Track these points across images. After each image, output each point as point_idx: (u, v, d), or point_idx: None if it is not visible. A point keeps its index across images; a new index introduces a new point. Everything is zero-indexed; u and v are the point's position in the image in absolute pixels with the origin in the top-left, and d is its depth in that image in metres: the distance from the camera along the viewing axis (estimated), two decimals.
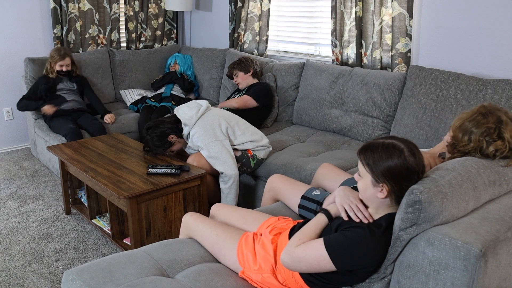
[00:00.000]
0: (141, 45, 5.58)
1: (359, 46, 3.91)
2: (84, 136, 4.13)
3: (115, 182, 2.81)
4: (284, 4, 4.70)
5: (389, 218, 1.71)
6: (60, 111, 4.29)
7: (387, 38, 3.71)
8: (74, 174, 3.38)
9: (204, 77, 5.06)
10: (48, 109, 4.24)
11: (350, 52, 3.99)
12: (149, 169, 2.94)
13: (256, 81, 4.29)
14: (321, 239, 1.74)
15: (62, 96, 4.39)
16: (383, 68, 3.80)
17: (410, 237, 1.60)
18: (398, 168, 1.63)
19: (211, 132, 3.16)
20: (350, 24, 3.94)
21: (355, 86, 3.69)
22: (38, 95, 4.39)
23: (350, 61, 4.01)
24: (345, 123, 3.73)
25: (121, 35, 5.45)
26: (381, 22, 3.72)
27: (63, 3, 4.90)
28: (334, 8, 4.00)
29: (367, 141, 1.82)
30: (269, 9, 4.63)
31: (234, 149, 3.26)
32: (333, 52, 4.10)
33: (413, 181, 1.64)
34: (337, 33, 4.03)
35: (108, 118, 4.41)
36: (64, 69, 4.47)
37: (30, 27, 4.96)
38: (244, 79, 4.27)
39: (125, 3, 5.36)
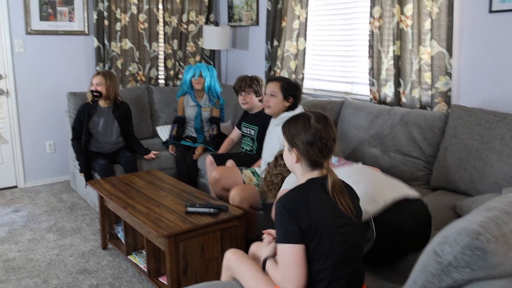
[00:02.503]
0: (179, 82, 5.68)
1: (397, 84, 3.89)
2: (116, 170, 4.21)
3: (154, 219, 2.82)
4: (320, 43, 4.74)
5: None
6: (101, 154, 4.35)
7: (426, 76, 3.68)
8: (113, 209, 3.41)
9: (239, 114, 5.09)
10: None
11: (388, 90, 3.97)
12: (188, 208, 2.95)
13: (260, 106, 4.07)
14: (276, 245, 1.95)
15: (96, 134, 4.37)
16: (422, 107, 3.76)
17: (460, 277, 1.50)
18: (302, 132, 1.89)
19: None
20: (387, 63, 3.93)
21: (394, 125, 3.64)
22: (82, 118, 4.35)
23: (388, 99, 3.98)
24: (384, 162, 3.67)
25: (159, 73, 5.58)
26: (419, 61, 3.70)
27: (106, 42, 5.07)
28: (371, 47, 4.01)
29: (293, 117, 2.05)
30: (305, 48, 4.67)
31: None
32: (370, 90, 4.09)
33: (317, 146, 1.88)
34: (374, 71, 4.02)
35: (151, 155, 4.45)
36: (94, 88, 4.31)
37: (75, 64, 5.13)
38: (252, 101, 4.08)
39: (164, 42, 5.51)
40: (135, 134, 4.63)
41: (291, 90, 3.63)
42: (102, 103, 4.39)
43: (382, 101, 4.03)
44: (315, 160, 1.90)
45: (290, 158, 1.97)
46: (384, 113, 3.75)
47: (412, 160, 3.52)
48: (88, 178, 4.24)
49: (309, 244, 1.80)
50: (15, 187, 5.04)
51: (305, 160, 1.91)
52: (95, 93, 4.31)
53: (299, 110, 3.58)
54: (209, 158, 4.03)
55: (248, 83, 4.04)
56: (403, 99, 3.86)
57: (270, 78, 4.01)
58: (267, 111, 3.67)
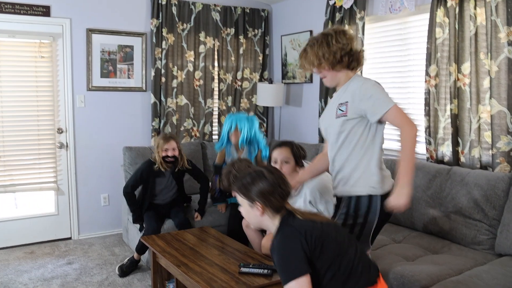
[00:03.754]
0: None
1: (455, 144, 3.79)
2: (166, 225, 4.27)
3: (207, 279, 2.78)
4: None
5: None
6: (153, 205, 4.37)
7: (486, 136, 3.57)
8: (165, 266, 3.40)
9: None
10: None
11: (446, 150, 3.87)
12: (241, 268, 2.90)
13: None
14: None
15: (155, 191, 4.38)
16: (482, 167, 3.63)
17: None
18: (261, 185, 2.09)
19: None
20: (445, 122, 3.85)
21: (454, 186, 3.52)
22: (144, 177, 4.30)
23: (446, 159, 3.87)
24: (444, 225, 3.53)
25: (213, 128, 5.67)
26: (479, 120, 3.61)
27: (162, 98, 5.23)
28: (427, 105, 3.95)
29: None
30: None
31: None
32: (427, 149, 4.00)
33: (277, 193, 2.09)
34: (431, 130, 3.94)
35: (198, 215, 4.45)
36: (170, 153, 4.24)
37: (131, 120, 5.29)
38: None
39: (219, 98, 5.63)
40: (202, 177, 4.58)
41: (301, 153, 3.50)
42: (168, 166, 4.37)
43: (439, 160, 3.92)
44: (278, 205, 2.10)
45: (254, 214, 2.12)
46: (442, 173, 3.65)
47: (474, 223, 3.37)
48: (142, 227, 4.29)
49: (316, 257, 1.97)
50: (69, 238, 5.13)
51: (269, 208, 2.09)
52: (169, 159, 4.26)
53: None
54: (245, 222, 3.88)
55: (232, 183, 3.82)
56: (462, 159, 3.75)
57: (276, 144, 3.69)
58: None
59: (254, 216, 2.13)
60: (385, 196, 2.51)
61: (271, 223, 2.12)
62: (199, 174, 4.57)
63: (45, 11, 4.71)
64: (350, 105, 2.52)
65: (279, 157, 3.34)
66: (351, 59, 2.55)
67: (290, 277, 1.90)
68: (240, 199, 2.17)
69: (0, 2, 4.50)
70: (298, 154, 3.41)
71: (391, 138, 4.51)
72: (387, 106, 2.44)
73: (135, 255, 4.27)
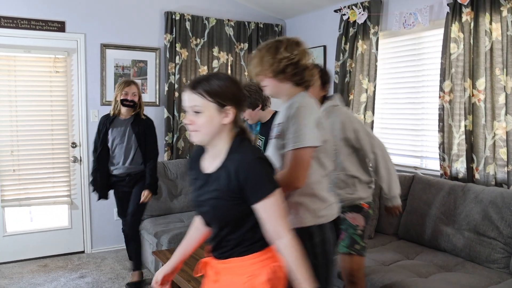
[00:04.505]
0: None
1: (470, 160, 3.75)
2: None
3: None
4: (388, 116, 4.69)
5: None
6: (112, 181, 4.20)
7: (502, 152, 3.52)
8: (177, 281, 3.38)
9: None
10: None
11: (460, 166, 3.82)
12: None
13: (266, 113, 3.72)
14: None
15: (113, 155, 4.14)
16: (497, 184, 3.58)
17: None
18: (237, 88, 1.87)
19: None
20: (459, 138, 3.81)
21: (468, 203, 3.47)
22: (101, 130, 4.14)
23: (460, 175, 3.82)
24: (457, 242, 3.48)
25: None
26: (494, 136, 3.57)
27: (175, 113, 5.25)
28: (441, 121, 3.92)
29: (194, 78, 1.94)
30: (372, 121, 4.63)
31: None
32: (441, 166, 3.96)
33: (245, 97, 1.93)
34: (445, 146, 3.90)
35: (144, 194, 4.09)
36: (129, 97, 4.02)
37: None
38: (253, 115, 3.69)
39: None
40: (156, 161, 4.23)
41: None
42: (123, 114, 4.14)
43: (453, 177, 3.88)
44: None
45: (218, 120, 1.81)
46: (457, 190, 3.60)
47: (488, 241, 3.31)
48: (101, 197, 4.24)
49: None
50: (82, 252, 5.15)
51: (236, 117, 1.88)
52: (127, 103, 4.04)
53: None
54: None
55: None
56: (477, 176, 3.70)
57: None
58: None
59: (217, 122, 1.81)
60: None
61: (224, 142, 1.85)
62: (149, 141, 4.20)
63: (60, 27, 4.78)
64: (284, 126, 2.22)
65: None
66: (294, 72, 2.25)
67: (274, 187, 1.77)
68: (203, 102, 1.81)
69: (16, 18, 4.58)
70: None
71: (403, 154, 4.49)
72: (300, 143, 2.11)
73: (135, 276, 4.22)
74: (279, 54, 2.23)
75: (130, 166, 4.14)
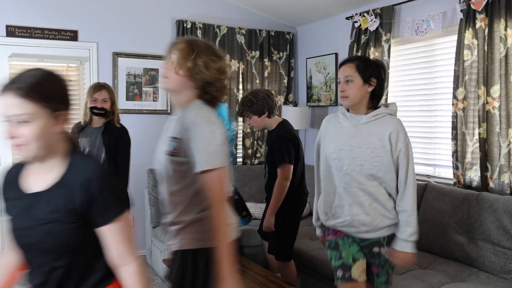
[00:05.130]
0: (256, 161, 5.72)
1: (484, 169, 3.68)
2: None
3: None
4: None
5: None
6: None
7: None
8: None
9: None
10: None
11: (474, 175, 3.76)
12: None
13: (272, 122, 3.65)
14: None
15: None
16: None
17: None
18: (64, 84, 1.59)
19: None
20: (473, 146, 3.75)
21: (482, 212, 3.41)
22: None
23: (474, 184, 3.76)
24: (471, 252, 3.41)
25: (237, 151, 5.65)
26: (508, 144, 3.51)
27: None
28: (454, 129, 3.86)
29: (12, 78, 1.50)
30: None
31: None
32: (454, 174, 3.90)
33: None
34: (458, 154, 3.84)
35: None
36: (99, 104, 3.58)
37: (156, 142, 5.27)
38: (258, 123, 3.63)
39: (243, 121, 5.62)
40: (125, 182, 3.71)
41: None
42: (95, 122, 3.70)
43: (467, 186, 3.81)
44: None
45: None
46: (470, 199, 3.54)
47: (503, 251, 3.24)
48: None
49: None
50: None
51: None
52: (97, 111, 3.61)
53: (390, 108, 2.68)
54: None
55: (245, 109, 3.61)
56: (491, 184, 3.64)
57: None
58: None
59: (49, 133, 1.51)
60: None
61: (58, 148, 1.56)
62: (120, 156, 3.68)
63: (73, 36, 4.82)
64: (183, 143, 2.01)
65: (341, 75, 2.61)
66: (197, 77, 2.02)
67: (124, 207, 1.59)
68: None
69: (30, 28, 4.63)
70: (366, 69, 2.57)
71: (415, 162, 4.43)
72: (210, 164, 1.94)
73: None
74: (197, 55, 2.02)
75: None
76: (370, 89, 2.56)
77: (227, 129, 3.85)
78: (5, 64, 4.55)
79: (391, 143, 2.49)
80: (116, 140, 3.62)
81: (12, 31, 4.57)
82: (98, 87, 3.63)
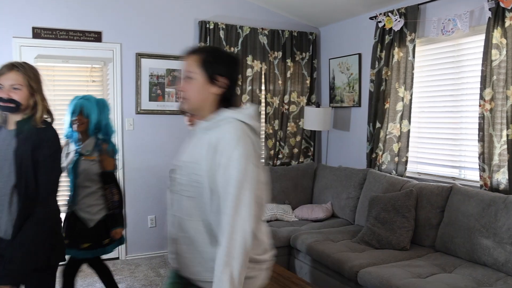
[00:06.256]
0: (278, 162, 5.70)
1: (511, 171, 3.60)
2: None
3: None
4: (425, 125, 4.58)
5: None
6: None
7: None
8: None
9: (341, 196, 4.95)
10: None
11: (501, 177, 3.68)
12: None
13: None
14: None
15: None
16: None
17: None
18: None
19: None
20: (500, 148, 3.67)
21: (510, 215, 3.33)
22: None
23: (502, 187, 3.68)
24: (498, 256, 3.34)
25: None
26: None
27: None
28: (481, 131, 3.78)
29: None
30: (409, 130, 4.52)
31: None
32: (481, 176, 3.82)
33: None
34: (485, 156, 3.77)
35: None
36: (4, 94, 2.26)
37: (178, 142, 5.26)
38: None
39: (265, 122, 5.61)
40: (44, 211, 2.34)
41: (222, 65, 1.99)
42: (10, 122, 2.38)
43: (494, 188, 3.73)
44: None
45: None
46: (498, 202, 3.46)
47: None
48: None
49: None
50: (117, 258, 5.19)
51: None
52: (3, 104, 2.28)
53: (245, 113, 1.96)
54: None
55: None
56: None
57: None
58: (184, 107, 2.09)
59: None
60: None
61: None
62: (40, 169, 2.30)
63: (97, 37, 4.87)
64: None
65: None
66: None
67: None
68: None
69: (55, 29, 4.69)
70: (212, 64, 1.96)
71: (440, 164, 4.37)
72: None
73: None
74: None
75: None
76: (216, 90, 1.96)
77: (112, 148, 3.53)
78: None
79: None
80: (33, 147, 2.28)
81: (38, 33, 4.64)
82: (6, 66, 2.32)
